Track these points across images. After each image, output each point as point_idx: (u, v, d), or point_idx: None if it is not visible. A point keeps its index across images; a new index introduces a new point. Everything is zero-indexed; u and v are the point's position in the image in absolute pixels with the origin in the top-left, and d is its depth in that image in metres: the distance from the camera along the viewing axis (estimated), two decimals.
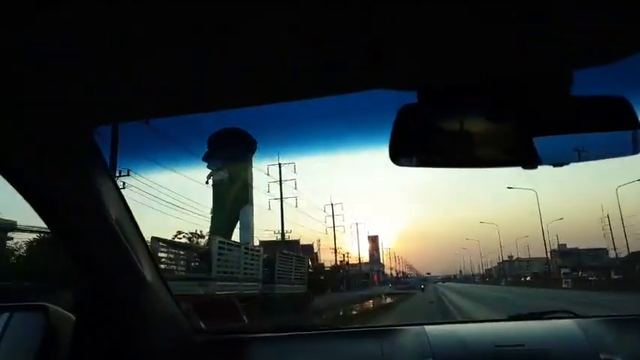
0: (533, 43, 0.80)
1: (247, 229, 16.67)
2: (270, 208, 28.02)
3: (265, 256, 14.43)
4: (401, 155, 0.91)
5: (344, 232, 54.05)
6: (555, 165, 0.93)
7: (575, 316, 1.68)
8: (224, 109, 1.12)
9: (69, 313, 1.41)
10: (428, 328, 1.59)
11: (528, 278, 52.24)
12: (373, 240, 72.34)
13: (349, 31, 0.76)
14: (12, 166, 1.02)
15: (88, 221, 1.21)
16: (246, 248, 13.03)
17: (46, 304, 1.41)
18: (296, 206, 31.81)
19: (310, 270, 20.77)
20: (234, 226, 16.55)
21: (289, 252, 16.83)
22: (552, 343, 1.44)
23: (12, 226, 18.20)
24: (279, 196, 27.56)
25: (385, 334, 1.62)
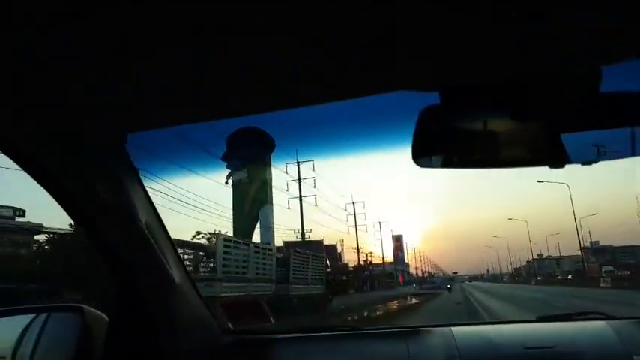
0: (558, 41, 0.80)
1: (268, 229, 16.54)
2: (289, 207, 27.83)
3: (280, 255, 13.87)
4: (423, 156, 0.92)
5: (366, 231, 53.46)
6: (583, 164, 0.92)
7: (607, 317, 1.65)
8: (244, 115, 1.16)
9: (103, 314, 1.47)
10: (455, 329, 1.59)
11: (569, 277, 49.09)
12: (397, 239, 71.64)
13: (367, 32, 0.77)
14: (46, 171, 1.08)
15: (120, 225, 1.26)
16: (257, 247, 12.43)
17: (81, 305, 1.48)
18: (315, 205, 31.54)
19: (329, 269, 19.88)
20: (254, 226, 16.46)
21: (305, 250, 16.09)
22: (584, 344, 1.42)
23: (38, 229, 18.84)
24: (299, 195, 27.41)
25: (411, 335, 1.63)
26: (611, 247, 58.94)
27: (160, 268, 1.37)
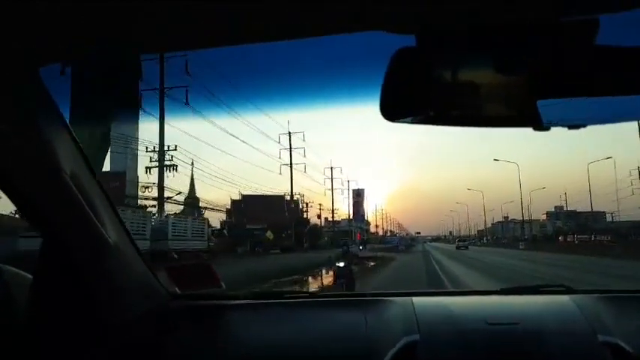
0: None
1: (124, 149, 11.77)
2: (142, 107, 20.36)
3: None
4: (393, 108, 0.85)
5: (304, 172, 47.69)
6: (571, 127, 0.88)
7: (571, 290, 1.69)
8: (196, 48, 1.04)
9: (27, 274, 1.38)
10: (415, 299, 1.57)
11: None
12: (358, 194, 70.63)
13: None
14: None
15: (39, 175, 1.16)
16: None
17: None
18: (186, 103, 22.46)
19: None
20: (105, 148, 12.00)
21: None
22: (548, 321, 1.44)
23: None
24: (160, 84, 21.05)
25: (369, 304, 1.63)
26: (575, 211, 62.27)
27: (89, 225, 1.28)
